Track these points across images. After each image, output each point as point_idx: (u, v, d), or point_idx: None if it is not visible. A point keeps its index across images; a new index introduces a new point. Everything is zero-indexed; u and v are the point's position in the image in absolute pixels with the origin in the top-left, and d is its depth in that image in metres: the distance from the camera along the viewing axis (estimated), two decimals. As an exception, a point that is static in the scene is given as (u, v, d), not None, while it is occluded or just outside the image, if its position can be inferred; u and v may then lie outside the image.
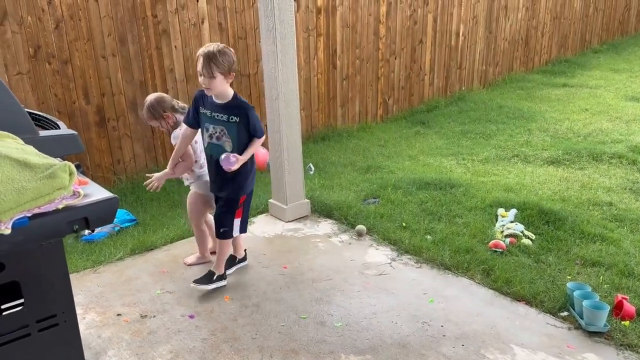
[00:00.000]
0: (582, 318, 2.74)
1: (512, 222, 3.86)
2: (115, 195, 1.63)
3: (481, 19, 8.15)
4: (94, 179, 4.99)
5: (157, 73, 5.19)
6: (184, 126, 3.20)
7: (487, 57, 8.50)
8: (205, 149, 3.15)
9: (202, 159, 3.29)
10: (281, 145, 4.01)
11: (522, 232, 3.72)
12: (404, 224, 3.95)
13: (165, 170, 3.27)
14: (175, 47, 5.24)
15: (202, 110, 3.05)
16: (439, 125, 7.02)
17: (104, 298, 3.20)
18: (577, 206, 4.16)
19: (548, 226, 3.82)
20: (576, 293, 2.82)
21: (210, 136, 3.05)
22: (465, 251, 3.51)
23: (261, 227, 4.10)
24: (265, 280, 3.33)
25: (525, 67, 9.23)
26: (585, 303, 2.72)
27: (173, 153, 3.23)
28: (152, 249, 3.80)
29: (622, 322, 2.70)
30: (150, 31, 5.06)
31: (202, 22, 5.36)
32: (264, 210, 4.33)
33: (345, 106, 6.84)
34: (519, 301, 3.02)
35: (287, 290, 3.20)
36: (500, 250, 3.51)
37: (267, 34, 3.81)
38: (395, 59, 7.20)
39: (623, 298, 2.81)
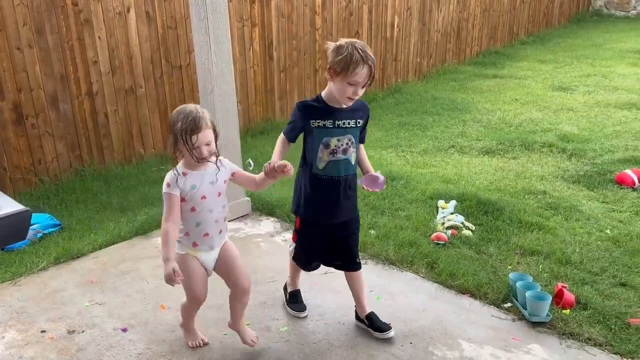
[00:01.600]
0: (525, 309, 2.77)
1: (452, 213, 3.88)
2: (27, 209, 1.42)
3: (415, 10, 8.22)
4: (12, 181, 4.60)
5: (80, 66, 4.82)
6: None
7: (421, 49, 8.60)
8: (322, 170, 2.47)
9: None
10: (218, 141, 3.81)
11: (462, 223, 3.74)
12: (347, 219, 3.88)
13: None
14: (99, 37, 4.89)
15: (316, 123, 2.41)
16: (378, 117, 7.01)
17: (25, 313, 2.92)
18: (513, 195, 4.25)
19: (487, 216, 3.87)
20: (519, 284, 2.85)
21: (333, 152, 2.43)
22: (409, 245, 3.49)
23: (199, 228, 3.90)
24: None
25: (457, 58, 9.43)
26: (527, 294, 2.75)
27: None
28: (78, 257, 3.52)
29: (563, 311, 2.75)
30: (71, 20, 4.69)
31: (128, 11, 5.03)
32: (202, 210, 4.13)
33: (284, 99, 6.69)
34: (464, 294, 3.03)
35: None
36: (443, 242, 3.52)
37: (198, 23, 3.59)
38: (332, 50, 7.12)
39: (563, 287, 2.87)
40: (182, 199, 2.27)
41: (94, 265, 3.41)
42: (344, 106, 2.42)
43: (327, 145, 2.43)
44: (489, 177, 4.74)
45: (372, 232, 3.71)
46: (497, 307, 2.87)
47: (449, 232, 3.64)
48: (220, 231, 2.42)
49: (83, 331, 2.76)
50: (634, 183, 4.29)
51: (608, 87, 7.56)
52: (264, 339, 2.65)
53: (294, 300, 2.91)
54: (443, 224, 3.77)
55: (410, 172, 4.87)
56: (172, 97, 5.53)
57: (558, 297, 2.84)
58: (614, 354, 2.49)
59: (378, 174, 2.47)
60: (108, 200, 4.43)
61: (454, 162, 5.23)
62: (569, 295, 2.81)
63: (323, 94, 2.46)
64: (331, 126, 2.41)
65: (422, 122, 6.59)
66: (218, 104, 3.73)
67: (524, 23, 11.14)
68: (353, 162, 2.51)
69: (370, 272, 3.26)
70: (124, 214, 4.10)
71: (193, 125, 2.14)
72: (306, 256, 2.74)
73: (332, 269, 3.29)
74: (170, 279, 2.16)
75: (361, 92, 2.35)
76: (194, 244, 2.37)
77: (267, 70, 6.40)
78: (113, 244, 3.67)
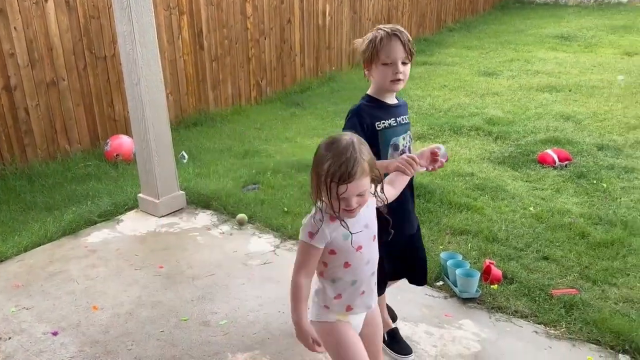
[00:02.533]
0: (456, 286, 2.89)
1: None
2: None
3: (346, -2, 8.28)
4: None
5: (-6, 58, 4.52)
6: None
7: (354, 37, 8.68)
8: None
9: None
10: (147, 135, 3.70)
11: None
12: (285, 209, 3.89)
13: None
14: (15, 28, 4.59)
15: (381, 125, 2.09)
16: (314, 106, 7.04)
17: (-57, 325, 2.73)
18: (443, 178, 4.39)
19: (419, 199, 3.99)
20: (449, 263, 2.97)
21: (402, 152, 2.14)
22: (346, 231, 3.54)
23: (131, 224, 3.78)
24: (139, 284, 3.06)
25: (389, 46, 9.59)
26: (457, 272, 2.87)
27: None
28: (2, 261, 3.32)
29: (492, 286, 2.89)
30: (-19, 9, 4.38)
31: (46, 0, 4.75)
32: (133, 206, 4.00)
33: (217, 89, 6.57)
34: (399, 276, 3.11)
35: (164, 292, 2.98)
36: (379, 227, 3.59)
37: (121, 12, 3.45)
38: (265, 39, 7.05)
39: (490, 263, 3.01)
40: (331, 251, 1.70)
41: (19, 269, 3.23)
42: (396, 100, 2.17)
43: (396, 147, 2.12)
44: (422, 161, 4.87)
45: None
46: (430, 286, 2.98)
47: (385, 216, 3.73)
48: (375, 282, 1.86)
49: (10, 338, 2.62)
50: (554, 162, 4.55)
51: (530, 71, 7.95)
52: (203, 334, 2.62)
53: (393, 340, 2.51)
54: (379, 209, 3.85)
55: (346, 159, 4.92)
56: (98, 89, 5.30)
57: (486, 273, 2.98)
58: (539, 324, 2.65)
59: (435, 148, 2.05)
60: (33, 199, 4.20)
61: (388, 148, 5.34)
62: (496, 271, 2.96)
63: (370, 92, 2.16)
64: (395, 124, 2.12)
65: (356, 109, 6.68)
66: (145, 96, 3.61)
67: (451, 10, 11.48)
68: None
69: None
70: (50, 214, 3.91)
71: (345, 173, 1.55)
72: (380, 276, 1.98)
73: (271, 259, 3.31)
74: (310, 348, 1.72)
75: (404, 69, 2.05)
76: (348, 308, 1.79)
77: (198, 59, 6.25)
78: (39, 245, 3.49)
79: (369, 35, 2.09)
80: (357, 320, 1.85)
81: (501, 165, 4.69)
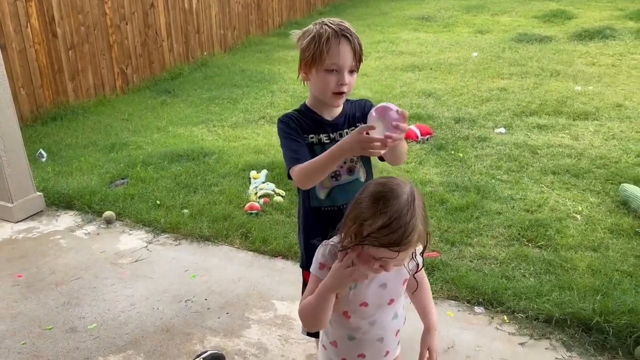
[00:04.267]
0: (330, 262, 3.01)
1: (264, 182, 4.00)
2: None
3: (213, -19, 8.09)
4: None
5: None
6: None
7: (224, 21, 8.52)
8: (324, 200, 1.83)
9: None
10: (-7, 134, 3.36)
11: (273, 190, 3.88)
12: (158, 202, 3.75)
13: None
14: None
15: (309, 139, 1.78)
16: (186, 93, 6.82)
17: None
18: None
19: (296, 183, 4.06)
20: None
21: (336, 174, 1.81)
22: (223, 218, 3.51)
23: (-18, 233, 3.43)
24: (-7, 297, 2.80)
25: (261, 30, 9.55)
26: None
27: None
28: None
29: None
30: None
31: None
32: (-16, 212, 3.62)
33: (76, 79, 6.11)
34: (276, 257, 3.16)
35: (24, 302, 2.75)
36: (256, 211, 3.61)
37: (-54, -3, 3.06)
38: (127, 24, 6.66)
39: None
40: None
41: None
42: (336, 113, 1.81)
43: None
44: (296, 143, 4.95)
45: (185, 211, 3.65)
46: (307, 265, 3.07)
47: (262, 200, 3.75)
48: (387, 353, 1.58)
49: None
50: (417, 137, 4.87)
51: (395, 51, 8.36)
52: (70, 341, 2.46)
53: None
54: (256, 193, 3.86)
55: (223, 147, 4.86)
56: None
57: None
58: (405, 288, 2.85)
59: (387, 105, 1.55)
60: None
61: (264, 133, 5.35)
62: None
63: (307, 102, 1.83)
64: (327, 141, 1.77)
65: (231, 95, 6.59)
66: (-14, 91, 3.26)
67: (320, -7, 11.69)
68: (364, 179, 1.84)
69: (184, 252, 3.22)
70: None
71: (399, 240, 1.27)
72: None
73: (144, 255, 3.19)
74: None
75: (350, 79, 1.70)
76: None
77: (51, 48, 5.75)
78: None
79: (311, 30, 1.72)
80: None
81: (371, 143, 4.91)
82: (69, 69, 5.99)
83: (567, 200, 3.64)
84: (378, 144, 1.48)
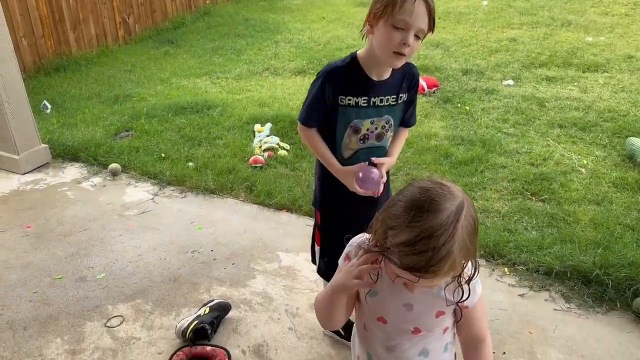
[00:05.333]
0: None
1: (268, 136, 3.99)
2: None
3: None
4: None
5: None
6: None
7: (228, -32, 8.28)
8: (347, 160, 1.84)
9: None
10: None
11: (277, 144, 3.87)
12: (163, 155, 3.76)
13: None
14: None
15: (346, 100, 1.73)
16: (189, 44, 6.72)
17: None
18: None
19: (299, 135, 4.04)
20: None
21: (364, 137, 1.80)
22: (228, 172, 3.53)
23: (-10, 185, 3.47)
24: (4, 247, 2.86)
25: (266, -23, 9.28)
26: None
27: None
28: None
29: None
30: None
31: None
32: (-9, 164, 3.65)
33: (78, 29, 6.01)
34: (281, 210, 3.19)
35: (34, 253, 2.81)
36: (260, 165, 3.62)
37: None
38: (128, -29, 6.50)
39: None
40: (358, 295, 1.29)
41: None
42: (386, 75, 1.73)
43: (357, 130, 1.78)
44: (302, 96, 4.91)
45: (190, 164, 3.66)
46: (311, 217, 3.09)
47: (266, 154, 3.75)
48: None
49: None
50: (423, 89, 4.80)
51: None
52: (80, 290, 2.53)
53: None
54: (260, 147, 3.86)
55: (226, 99, 4.83)
56: None
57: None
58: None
59: (374, 170, 1.77)
60: None
61: (269, 85, 5.30)
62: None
63: (360, 53, 1.73)
64: (365, 104, 1.73)
65: (235, 45, 6.48)
66: (-14, 41, 3.22)
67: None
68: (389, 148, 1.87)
69: (190, 205, 3.25)
70: None
71: (422, 266, 1.02)
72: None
73: (150, 207, 3.23)
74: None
75: (415, 43, 1.59)
76: None
77: (51, -3, 5.64)
78: None
79: None
80: None
81: (376, 95, 4.85)
82: (70, 18, 5.88)
83: (572, 153, 3.62)
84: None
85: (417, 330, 1.24)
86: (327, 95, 1.73)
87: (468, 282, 1.15)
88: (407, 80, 1.78)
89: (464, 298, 1.17)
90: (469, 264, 1.09)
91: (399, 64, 1.64)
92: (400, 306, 1.22)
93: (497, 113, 4.31)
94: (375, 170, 1.74)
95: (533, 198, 3.16)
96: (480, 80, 5.01)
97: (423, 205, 1.02)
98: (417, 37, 1.59)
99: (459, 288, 1.15)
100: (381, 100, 1.75)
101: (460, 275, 1.12)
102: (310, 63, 5.72)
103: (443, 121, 4.24)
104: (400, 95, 1.77)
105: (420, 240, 1.00)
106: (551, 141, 3.82)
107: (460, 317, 1.24)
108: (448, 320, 1.25)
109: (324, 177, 1.91)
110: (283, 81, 5.37)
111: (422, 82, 4.83)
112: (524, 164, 3.51)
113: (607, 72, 5.03)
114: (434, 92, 4.77)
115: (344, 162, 1.83)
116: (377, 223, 1.10)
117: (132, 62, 6.04)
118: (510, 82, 4.92)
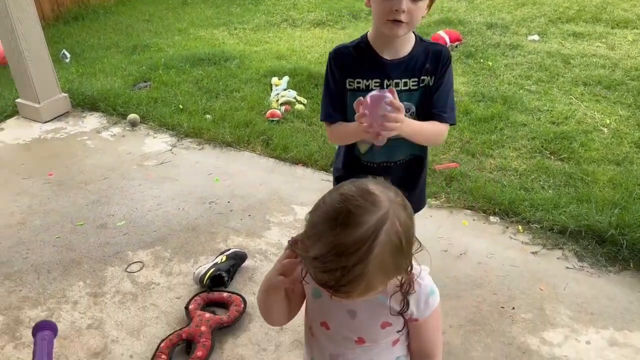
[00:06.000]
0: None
1: (285, 89, 3.96)
2: None
3: None
4: None
5: None
6: None
7: None
8: (364, 155, 1.65)
9: None
10: (15, 33, 3.34)
11: (295, 98, 3.85)
12: (180, 106, 3.77)
13: None
14: None
15: (354, 84, 1.54)
16: (206, -7, 6.60)
17: None
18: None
19: (317, 89, 4.01)
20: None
21: None
22: (245, 125, 3.54)
23: (13, 133, 3.53)
24: (28, 193, 2.94)
25: None
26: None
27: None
28: None
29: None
30: None
31: None
32: (13, 113, 3.70)
33: (95, -23, 5.94)
34: (297, 164, 3.21)
35: (56, 199, 2.89)
36: (277, 119, 3.61)
37: None
38: None
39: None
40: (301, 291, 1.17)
41: None
42: (402, 54, 1.51)
43: None
44: (320, 49, 4.84)
45: (208, 116, 3.67)
46: (326, 172, 3.11)
47: (283, 108, 3.74)
48: None
49: None
50: (446, 43, 4.68)
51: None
52: (101, 236, 2.61)
53: None
54: (277, 100, 3.84)
55: (244, 51, 4.78)
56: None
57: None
58: (424, 196, 2.89)
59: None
60: None
61: (287, 37, 5.22)
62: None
63: (368, 34, 1.56)
64: (377, 87, 1.51)
65: (253, -5, 6.36)
66: (5, -12, 3.21)
67: None
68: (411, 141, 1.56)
69: (208, 157, 3.28)
70: None
71: (331, 285, 0.92)
72: None
73: (168, 158, 3.27)
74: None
75: (411, 5, 1.39)
76: None
77: (68, -57, 5.55)
78: None
79: None
80: None
81: (396, 49, 4.76)
82: (86, -34, 5.81)
83: (595, 112, 3.54)
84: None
85: (361, 340, 1.11)
86: (335, 80, 1.55)
87: (405, 294, 1.02)
88: (431, 60, 1.52)
89: (404, 310, 1.05)
90: (404, 276, 0.98)
91: (401, 32, 1.43)
92: (343, 312, 1.10)
93: (521, 69, 4.21)
94: (387, 95, 1.35)
95: (552, 157, 3.12)
96: (505, 35, 4.87)
97: (338, 218, 0.89)
98: (413, 0, 1.39)
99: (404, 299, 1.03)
100: (397, 84, 1.52)
101: (402, 286, 1.01)
102: (330, 15, 5.60)
103: (464, 77, 4.16)
104: (423, 77, 1.52)
105: (330, 257, 0.88)
106: (574, 99, 3.73)
107: (406, 328, 1.12)
108: (396, 332, 1.11)
109: (337, 169, 1.76)
110: (301, 33, 5.28)
111: (445, 36, 4.71)
112: (544, 122, 3.45)
113: (637, 28, 4.84)
114: (456, 47, 4.65)
115: (361, 157, 1.65)
116: (305, 224, 0.96)
117: (150, 11, 5.98)
118: (536, 37, 4.78)
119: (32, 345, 1.19)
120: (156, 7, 6.14)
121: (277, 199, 2.89)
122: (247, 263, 2.41)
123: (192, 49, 4.83)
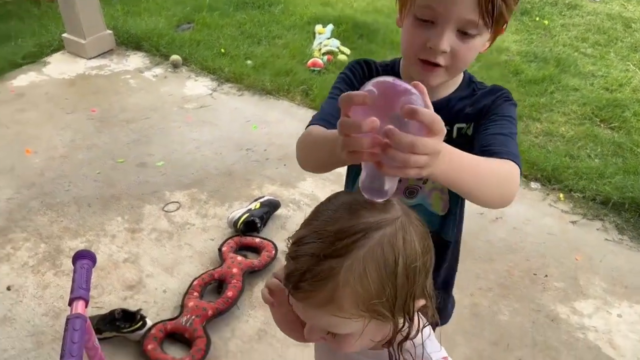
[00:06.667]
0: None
1: (328, 38, 3.87)
2: None
3: None
4: None
5: None
6: None
7: None
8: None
9: None
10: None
11: (338, 48, 3.76)
12: (222, 50, 3.74)
13: None
14: None
15: None
16: None
17: None
18: (388, 16, 4.27)
19: (362, 39, 3.91)
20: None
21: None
22: (285, 73, 3.49)
23: (59, 67, 3.58)
24: (71, 128, 3.01)
25: None
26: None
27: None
28: None
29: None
30: None
31: None
32: (59, 47, 3.75)
33: None
34: (336, 116, 3.17)
35: (98, 136, 2.95)
36: (319, 69, 3.55)
37: None
38: None
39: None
40: None
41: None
42: (443, 94, 1.04)
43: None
44: (366, -2, 4.68)
45: (249, 62, 3.63)
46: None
47: (325, 57, 3.66)
48: None
49: (-59, 185, 2.61)
50: None
51: None
52: (141, 175, 2.67)
53: None
54: (320, 49, 3.77)
55: (289, -5, 4.67)
56: None
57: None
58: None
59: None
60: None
61: (334, -17, 5.05)
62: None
63: (402, 60, 1.09)
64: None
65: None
66: None
67: None
68: (442, 212, 1.12)
69: (247, 103, 3.27)
70: (-32, 57, 3.65)
71: (293, 281, 0.74)
72: None
73: (208, 102, 3.28)
74: None
75: (457, 44, 0.91)
76: None
77: None
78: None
79: None
80: None
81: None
82: None
83: (654, 81, 3.35)
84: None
85: None
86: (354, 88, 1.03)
87: (398, 343, 0.80)
88: (476, 101, 1.03)
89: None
90: (390, 320, 0.74)
91: (436, 80, 0.97)
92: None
93: (577, 31, 3.98)
94: (413, 91, 0.68)
95: (602, 125, 2.99)
96: (564, -7, 4.59)
97: (339, 207, 0.74)
98: (464, 33, 0.91)
99: (400, 354, 0.81)
100: None
101: (394, 338, 0.78)
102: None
103: (517, 35, 3.97)
104: (458, 126, 1.03)
105: (307, 240, 0.73)
106: (631, 66, 3.53)
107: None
108: None
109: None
110: (349, -20, 5.10)
111: None
112: (597, 88, 3.28)
113: None
114: (510, 3, 4.42)
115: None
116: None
117: (196, -49, 5.86)
118: (597, -3, 4.50)
119: (71, 274, 1.24)
120: (202, -54, 6.02)
121: (314, 150, 2.87)
122: (280, 211, 2.43)
123: (236, -9, 4.74)
